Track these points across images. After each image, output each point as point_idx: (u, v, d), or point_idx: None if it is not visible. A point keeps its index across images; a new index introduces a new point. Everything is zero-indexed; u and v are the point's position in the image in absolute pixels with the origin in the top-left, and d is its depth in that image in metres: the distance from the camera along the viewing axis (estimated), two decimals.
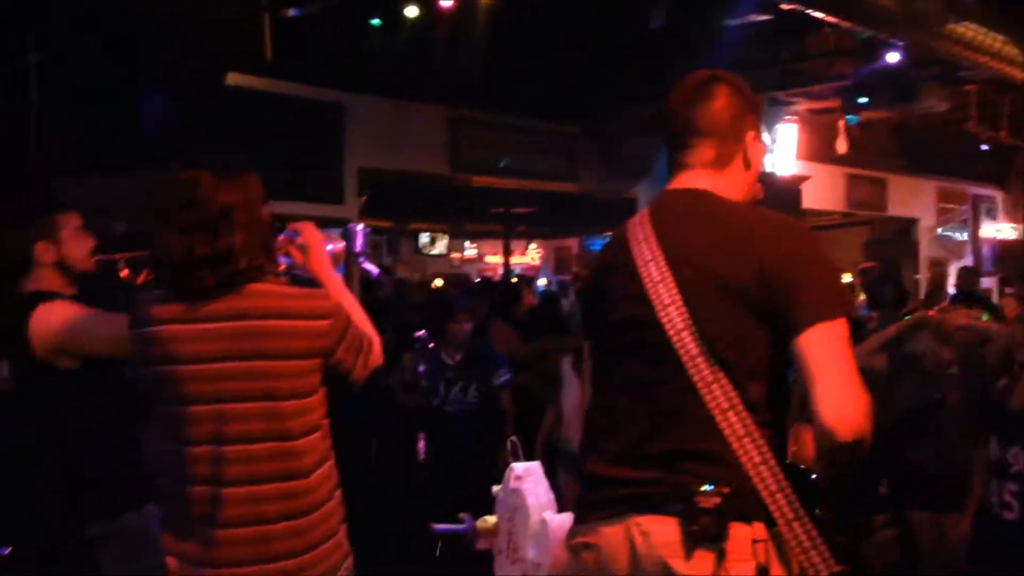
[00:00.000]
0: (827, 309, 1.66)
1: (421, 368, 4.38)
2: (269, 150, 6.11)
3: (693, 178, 1.89)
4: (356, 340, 2.15)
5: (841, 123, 9.71)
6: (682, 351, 1.71)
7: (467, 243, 15.78)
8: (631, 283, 1.80)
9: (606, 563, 1.76)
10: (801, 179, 10.05)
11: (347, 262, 2.63)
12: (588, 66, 7.57)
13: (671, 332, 1.72)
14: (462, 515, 3.20)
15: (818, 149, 10.57)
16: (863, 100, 8.36)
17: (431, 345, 4.42)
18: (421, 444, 4.01)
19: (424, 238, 14.57)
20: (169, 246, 2.04)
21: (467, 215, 13.32)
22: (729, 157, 1.90)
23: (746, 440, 1.67)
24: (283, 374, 2.04)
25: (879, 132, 10.53)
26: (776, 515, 1.66)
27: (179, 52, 4.85)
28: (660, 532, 1.68)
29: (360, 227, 2.91)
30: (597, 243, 12.46)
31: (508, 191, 9.87)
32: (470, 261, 15.86)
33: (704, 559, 1.64)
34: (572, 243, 15.27)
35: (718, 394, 1.69)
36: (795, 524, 1.65)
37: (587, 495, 1.83)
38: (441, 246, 14.89)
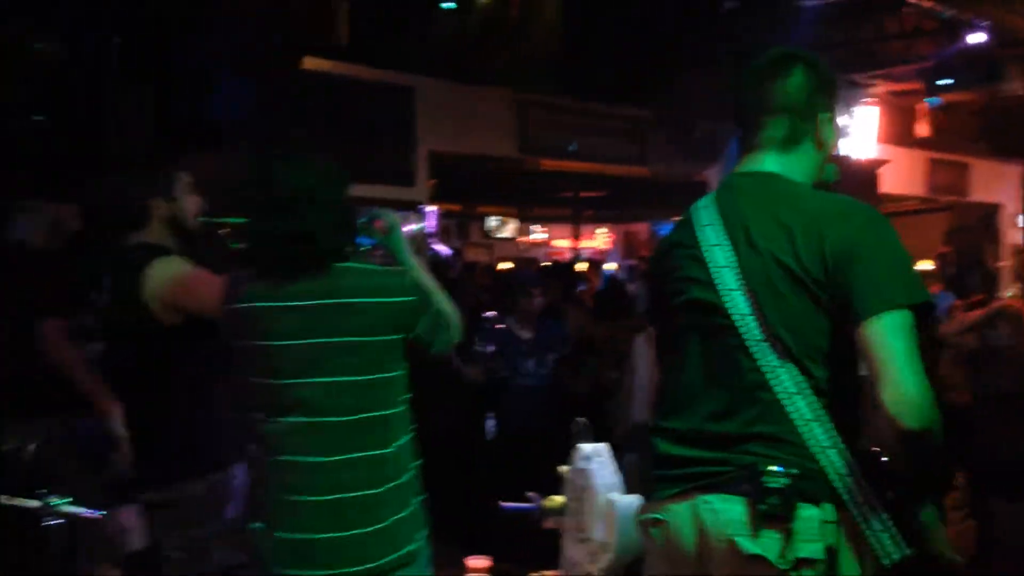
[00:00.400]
0: (891, 298, 1.63)
1: (491, 349, 4.42)
2: (342, 133, 6.21)
3: (762, 159, 1.88)
4: (437, 317, 2.20)
5: (922, 105, 9.45)
6: (748, 336, 1.72)
7: (535, 227, 15.78)
8: (697, 267, 1.82)
9: (674, 540, 1.78)
10: (879, 163, 9.81)
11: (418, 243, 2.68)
12: (659, 48, 7.49)
13: (736, 317, 1.73)
14: (530, 493, 3.23)
15: (898, 132, 10.29)
16: (945, 82, 8.09)
17: (500, 325, 4.45)
18: (490, 422, 4.05)
19: (492, 221, 14.61)
20: (254, 228, 2.11)
21: (536, 199, 13.33)
22: (801, 137, 1.88)
23: (814, 424, 1.67)
24: (367, 350, 2.10)
25: (962, 115, 10.20)
26: (846, 498, 1.65)
27: (257, 36, 4.95)
28: (728, 510, 1.70)
29: (432, 209, 2.96)
30: (667, 227, 12.29)
31: (577, 175, 9.84)
32: (538, 245, 15.87)
33: (771, 538, 1.65)
34: (642, 227, 15.16)
35: (785, 379, 1.69)
36: (865, 507, 1.64)
37: (656, 473, 1.85)
38: (509, 230, 14.91)
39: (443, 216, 12.46)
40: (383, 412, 2.13)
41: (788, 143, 1.87)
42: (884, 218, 1.77)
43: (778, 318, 1.71)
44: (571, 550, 3.09)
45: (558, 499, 3.16)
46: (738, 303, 1.73)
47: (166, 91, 5.11)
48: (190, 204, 2.87)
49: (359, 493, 2.09)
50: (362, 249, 2.31)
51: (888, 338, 1.60)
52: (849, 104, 9.69)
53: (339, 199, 2.17)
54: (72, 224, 3.67)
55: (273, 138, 4.79)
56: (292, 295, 2.09)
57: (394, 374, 2.16)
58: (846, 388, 1.74)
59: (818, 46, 8.38)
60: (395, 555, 2.12)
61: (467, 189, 11.30)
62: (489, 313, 4.30)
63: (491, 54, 6.98)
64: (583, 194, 12.40)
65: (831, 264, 1.68)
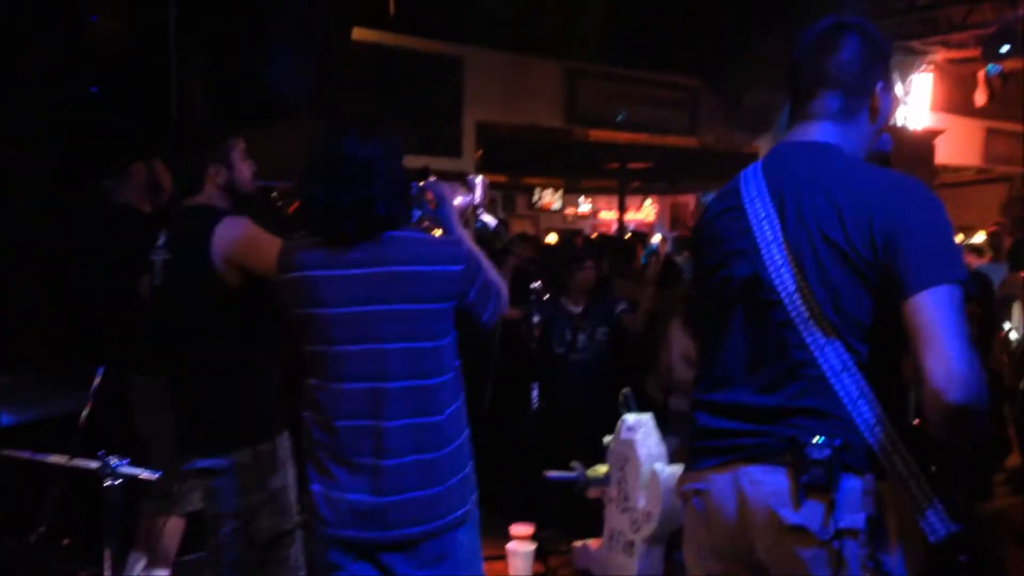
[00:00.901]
0: (938, 272, 1.60)
1: (536, 318, 4.44)
2: (391, 103, 6.24)
3: (814, 129, 1.86)
4: (486, 287, 2.24)
5: (981, 73, 9.20)
6: (794, 313, 1.71)
7: (581, 198, 15.71)
8: (743, 239, 1.80)
9: (715, 510, 1.79)
10: (935, 132, 9.60)
11: (467, 213, 2.70)
12: (712, 15, 7.37)
13: (783, 293, 1.72)
14: (574, 463, 3.28)
15: (955, 101, 10.05)
16: (1005, 48, 7.86)
17: (546, 296, 4.46)
18: (535, 392, 4.07)
19: (538, 193, 14.60)
20: (314, 196, 2.16)
21: (583, 170, 13.26)
22: (855, 109, 1.85)
23: (860, 401, 1.67)
24: (419, 317, 2.14)
25: (1021, 83, 9.92)
26: (891, 474, 1.65)
27: (308, 8, 4.99)
28: (770, 481, 1.70)
29: (480, 179, 2.98)
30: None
31: (624, 145, 9.77)
32: (584, 217, 15.81)
33: (814, 509, 1.65)
34: (688, 199, 15.03)
35: (831, 356, 1.69)
36: (911, 483, 1.63)
37: (698, 444, 1.86)
38: (555, 201, 14.88)
39: (489, 187, 12.48)
40: (436, 379, 2.18)
41: (842, 115, 1.84)
42: (932, 193, 1.73)
43: (824, 295, 1.69)
44: (614, 519, 3.14)
45: (602, 468, 3.20)
46: (785, 279, 1.73)
47: (221, 63, 5.18)
48: (245, 170, 2.93)
49: (415, 457, 2.15)
50: (413, 220, 2.35)
51: (935, 311, 1.58)
52: (905, 72, 9.48)
53: (396, 169, 2.21)
54: (168, 186, 3.77)
55: (324, 108, 4.84)
56: (347, 263, 2.15)
57: (445, 341, 2.21)
58: (890, 365, 1.73)
59: (875, 12, 8.20)
60: (449, 517, 2.19)
61: (513, 160, 11.28)
62: (535, 284, 4.30)
63: (540, 24, 6.94)
64: (631, 165, 12.32)
65: (879, 241, 1.66)
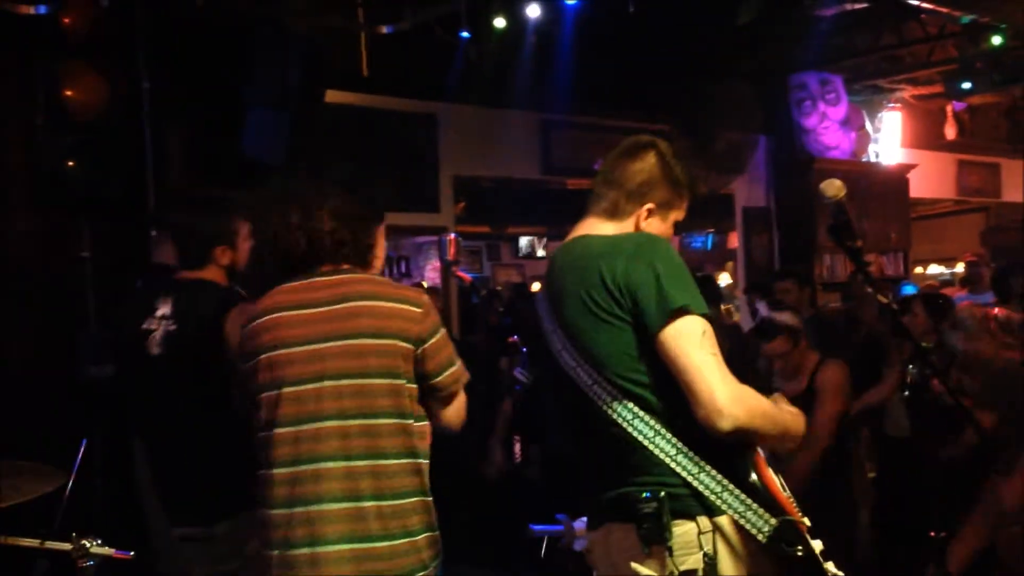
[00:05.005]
0: (672, 306, 1.83)
1: (518, 371, 4.44)
2: (366, 163, 6.30)
3: (586, 225, 2.16)
4: (448, 354, 2.23)
5: (949, 108, 9.38)
6: (599, 400, 1.91)
7: None
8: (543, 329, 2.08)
9: (597, 564, 2.05)
10: (908, 167, 9.74)
11: (442, 270, 2.74)
12: (680, 63, 7.50)
13: (569, 370, 1.96)
14: (559, 516, 3.25)
15: (925, 136, 10.22)
16: (967, 84, 8.01)
17: (524, 349, 4.47)
18: (518, 447, 4.04)
19: (523, 242, 14.67)
20: (271, 234, 2.21)
21: (564, 217, 13.35)
22: (623, 212, 2.11)
23: (679, 457, 1.85)
24: (374, 352, 2.12)
25: (990, 116, 10.10)
26: (727, 510, 1.83)
27: (282, 73, 5.07)
28: (624, 538, 1.89)
29: (452, 236, 3.01)
30: (698, 240, 12.33)
31: None
32: None
33: (658, 558, 1.82)
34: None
35: (620, 410, 1.88)
36: (748, 514, 1.81)
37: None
38: (539, 249, 14.95)
39: (473, 238, 12.55)
40: (386, 418, 2.13)
41: (609, 214, 2.11)
42: (655, 239, 1.98)
43: (616, 377, 1.89)
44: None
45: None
46: (565, 358, 1.96)
47: (196, 130, 5.24)
48: (246, 251, 2.90)
49: (371, 502, 2.08)
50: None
51: (681, 346, 1.80)
52: (874, 110, 9.64)
53: (349, 219, 2.29)
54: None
55: (299, 169, 4.90)
56: (302, 303, 2.19)
57: (400, 382, 2.15)
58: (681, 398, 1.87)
59: (841, 53, 8.37)
60: None
61: (496, 211, 11.35)
62: (512, 338, 4.30)
63: (512, 78, 7.03)
64: None
65: (618, 293, 1.88)
